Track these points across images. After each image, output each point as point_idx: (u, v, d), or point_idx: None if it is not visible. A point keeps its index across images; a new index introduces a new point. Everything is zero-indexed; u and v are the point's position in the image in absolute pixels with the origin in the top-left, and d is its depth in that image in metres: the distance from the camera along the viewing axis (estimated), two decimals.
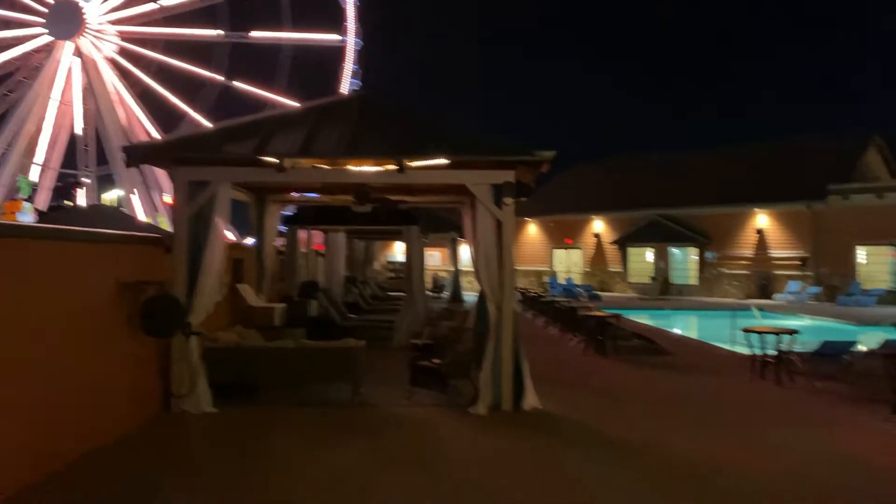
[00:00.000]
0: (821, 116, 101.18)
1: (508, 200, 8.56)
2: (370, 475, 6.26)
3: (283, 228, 15.00)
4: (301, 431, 7.66)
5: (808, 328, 21.50)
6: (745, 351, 13.08)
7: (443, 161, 8.54)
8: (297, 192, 12.84)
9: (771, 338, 10.46)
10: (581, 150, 61.37)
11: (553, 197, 41.38)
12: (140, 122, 49.53)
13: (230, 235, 13.42)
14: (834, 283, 30.01)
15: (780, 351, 10.25)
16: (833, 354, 10.11)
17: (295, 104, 34.54)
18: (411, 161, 8.56)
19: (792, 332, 10.29)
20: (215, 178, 8.69)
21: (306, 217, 15.01)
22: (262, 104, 45.87)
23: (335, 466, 6.49)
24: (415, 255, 16.20)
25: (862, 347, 10.55)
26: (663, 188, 37.11)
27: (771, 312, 22.13)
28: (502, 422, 8.16)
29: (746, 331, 10.69)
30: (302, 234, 16.31)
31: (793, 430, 7.85)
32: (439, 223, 21.07)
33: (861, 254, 30.22)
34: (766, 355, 10.51)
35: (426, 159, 8.60)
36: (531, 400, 8.68)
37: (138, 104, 49.56)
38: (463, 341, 10.66)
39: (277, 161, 8.49)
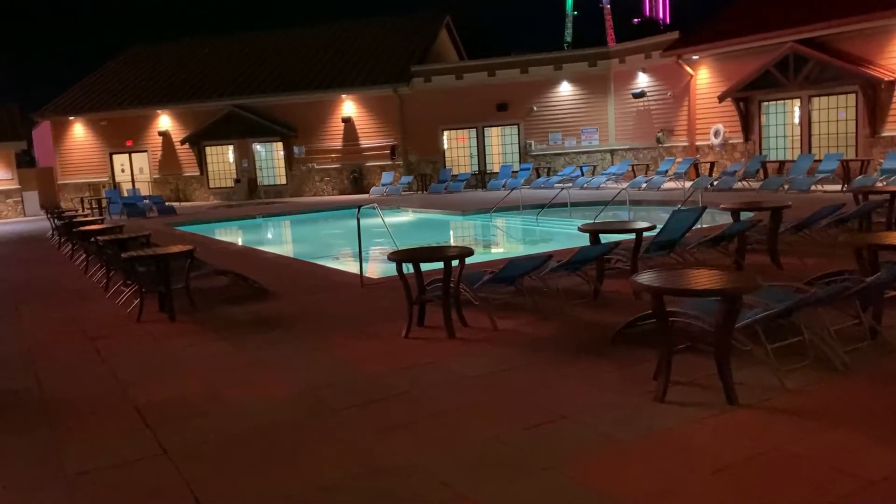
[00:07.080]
0: None
1: None
2: None
3: None
4: None
5: (416, 224, 19.27)
6: (375, 272, 9.46)
7: None
8: None
9: (430, 265, 6.67)
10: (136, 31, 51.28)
11: (103, 89, 33.31)
12: None
13: None
14: (425, 172, 28.98)
15: (444, 282, 6.48)
16: (515, 277, 6.82)
17: None
18: None
19: (465, 254, 6.51)
20: None
21: None
22: None
23: None
24: None
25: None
26: (237, 74, 31.99)
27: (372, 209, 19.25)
28: None
29: (391, 257, 6.63)
30: None
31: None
32: None
33: (445, 139, 29.58)
34: (422, 290, 6.77)
35: None
36: None
37: None
38: None
39: None
